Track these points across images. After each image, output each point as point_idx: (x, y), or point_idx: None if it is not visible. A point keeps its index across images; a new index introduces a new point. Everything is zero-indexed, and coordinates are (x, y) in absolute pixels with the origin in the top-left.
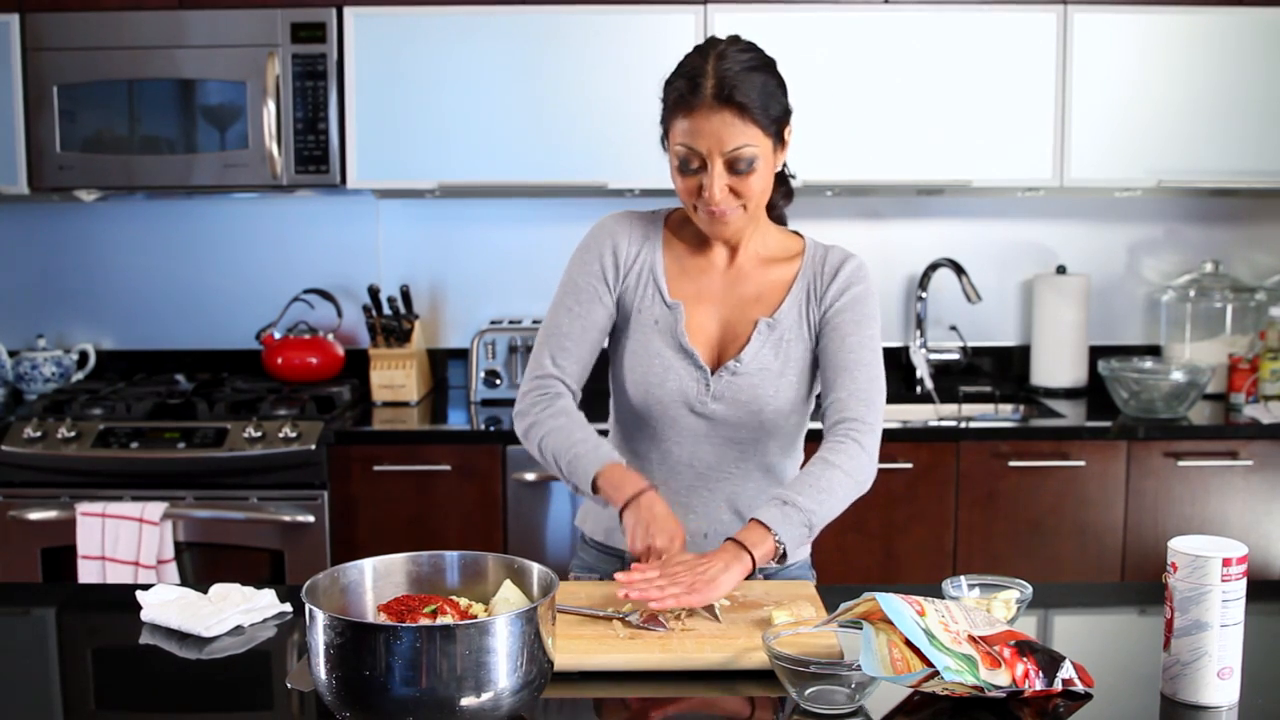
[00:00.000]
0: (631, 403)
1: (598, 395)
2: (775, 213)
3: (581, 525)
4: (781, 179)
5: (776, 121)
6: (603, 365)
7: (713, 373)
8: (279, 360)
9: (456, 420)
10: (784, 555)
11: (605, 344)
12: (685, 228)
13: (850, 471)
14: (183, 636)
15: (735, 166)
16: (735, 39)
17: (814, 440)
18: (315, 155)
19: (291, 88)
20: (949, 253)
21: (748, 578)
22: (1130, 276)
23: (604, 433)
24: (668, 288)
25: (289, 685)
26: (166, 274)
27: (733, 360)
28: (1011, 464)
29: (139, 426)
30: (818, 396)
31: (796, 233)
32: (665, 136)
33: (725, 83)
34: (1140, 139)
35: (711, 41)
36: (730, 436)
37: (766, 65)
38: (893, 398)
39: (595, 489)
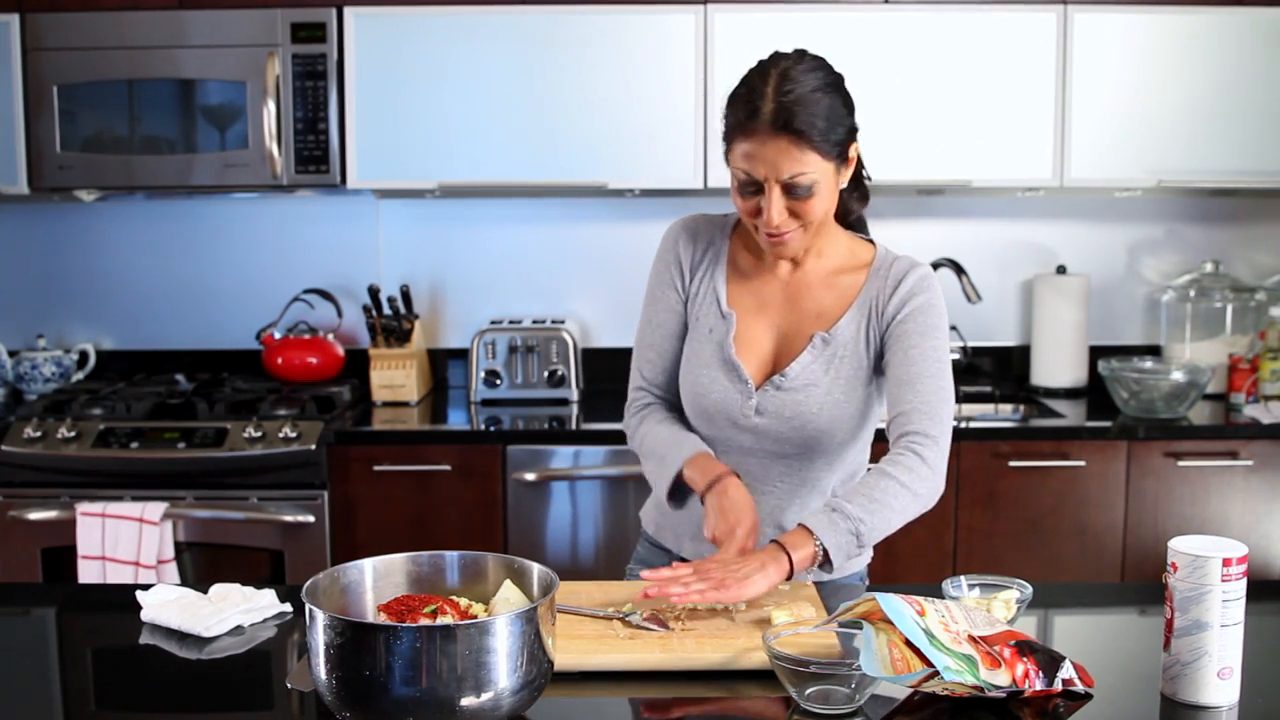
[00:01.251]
0: (686, 410)
1: None
2: (851, 218)
3: (642, 517)
4: (857, 183)
5: (839, 144)
6: None
7: (759, 387)
8: (279, 360)
9: (456, 420)
10: (827, 561)
11: None
12: (751, 237)
13: (908, 484)
14: (183, 636)
15: (794, 192)
16: (801, 55)
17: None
18: (315, 155)
19: (291, 88)
20: (949, 253)
21: (786, 580)
22: (1130, 276)
23: None
24: (726, 297)
25: (289, 685)
26: (166, 274)
27: (778, 375)
28: (1011, 464)
29: (139, 426)
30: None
31: (870, 240)
32: (727, 154)
33: (783, 109)
34: (1140, 139)
35: (774, 58)
36: (775, 451)
37: (831, 85)
38: None
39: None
